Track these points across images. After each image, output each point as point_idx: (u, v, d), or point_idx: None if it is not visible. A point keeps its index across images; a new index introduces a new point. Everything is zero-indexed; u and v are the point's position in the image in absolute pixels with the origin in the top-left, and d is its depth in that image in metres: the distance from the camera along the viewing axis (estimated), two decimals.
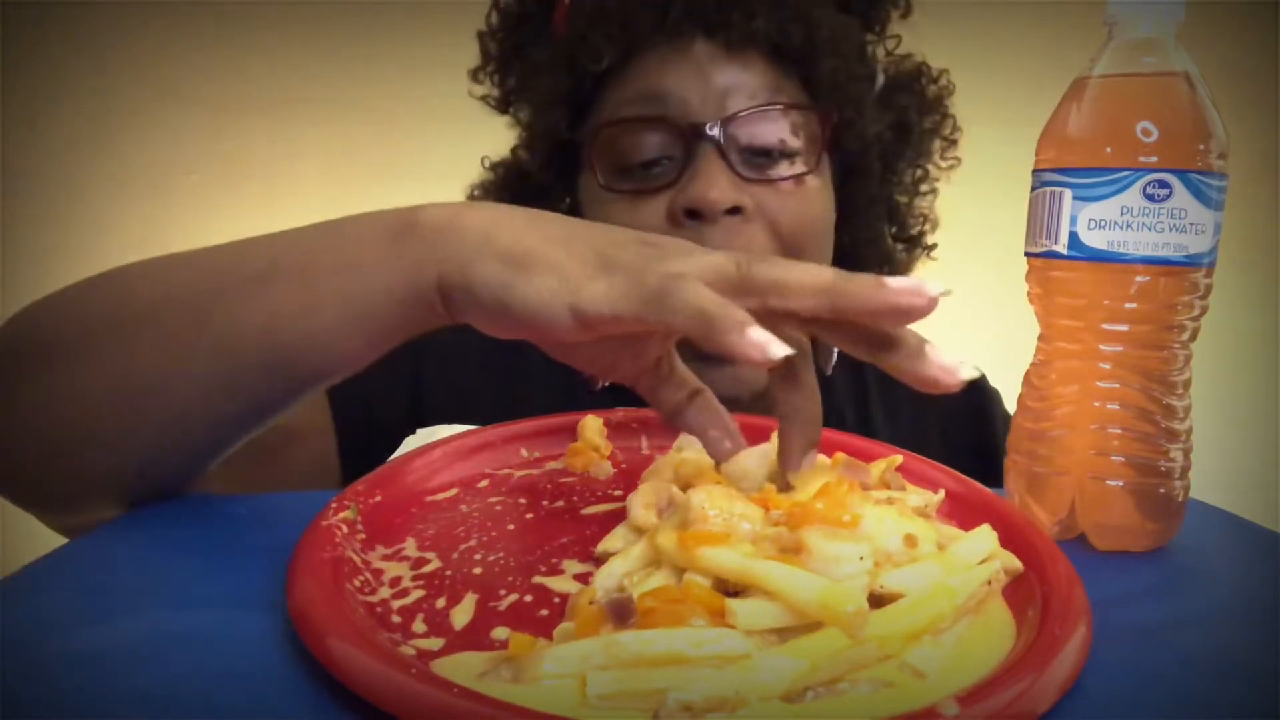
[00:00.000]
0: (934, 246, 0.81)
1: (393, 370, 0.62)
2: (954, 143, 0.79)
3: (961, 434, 0.75)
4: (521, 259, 0.37)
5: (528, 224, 0.39)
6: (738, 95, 0.64)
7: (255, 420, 0.46)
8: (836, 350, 0.73)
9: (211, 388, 0.43)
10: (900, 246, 0.79)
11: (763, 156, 0.65)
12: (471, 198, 0.78)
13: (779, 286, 0.35)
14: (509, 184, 0.76)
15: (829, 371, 0.74)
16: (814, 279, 0.34)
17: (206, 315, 0.42)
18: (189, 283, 0.44)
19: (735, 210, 0.63)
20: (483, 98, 0.77)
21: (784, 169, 0.65)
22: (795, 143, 0.66)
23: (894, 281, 0.33)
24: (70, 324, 0.46)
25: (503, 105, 0.77)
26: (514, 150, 0.76)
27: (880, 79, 0.74)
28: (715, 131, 0.63)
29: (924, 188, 0.79)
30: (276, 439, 0.54)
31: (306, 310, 0.41)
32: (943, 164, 0.79)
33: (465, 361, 0.71)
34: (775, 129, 0.65)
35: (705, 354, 0.63)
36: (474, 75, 0.77)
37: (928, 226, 0.80)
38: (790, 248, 0.65)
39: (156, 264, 0.46)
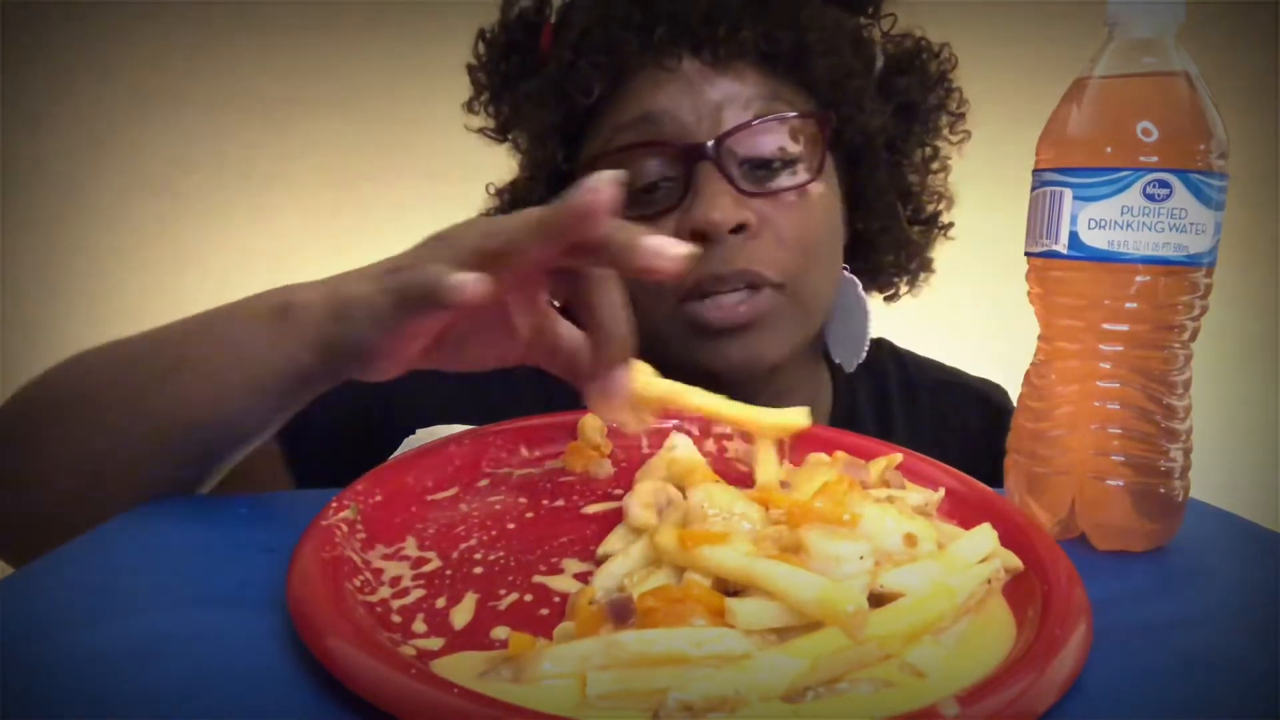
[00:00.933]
0: (950, 225, 0.80)
1: (355, 407, 0.65)
2: (961, 116, 0.77)
3: (980, 448, 0.73)
4: (344, 308, 0.43)
5: (360, 272, 0.45)
6: (732, 108, 0.63)
7: (201, 478, 0.52)
8: (865, 351, 0.72)
9: (153, 461, 0.49)
10: (916, 229, 0.78)
11: (763, 168, 0.64)
12: None
13: (507, 247, 0.39)
14: (514, 211, 0.76)
15: (850, 369, 0.73)
16: (524, 221, 0.39)
17: (136, 403, 0.49)
18: (120, 374, 0.51)
19: (740, 228, 0.62)
20: (479, 130, 0.77)
21: (786, 179, 0.64)
22: (796, 149, 0.65)
23: (585, 185, 0.37)
24: (38, 412, 0.53)
25: (500, 134, 0.76)
26: (517, 178, 0.76)
27: (880, 61, 0.72)
28: (712, 149, 0.62)
29: (935, 165, 0.78)
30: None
31: (216, 399, 0.48)
32: (953, 139, 0.78)
33: (441, 387, 0.64)
34: (774, 139, 0.64)
35: (705, 329, 0.63)
36: (468, 107, 0.76)
37: (944, 205, 0.79)
38: (799, 256, 0.64)
39: (103, 354, 0.53)
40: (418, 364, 0.45)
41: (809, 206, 0.65)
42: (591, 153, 0.67)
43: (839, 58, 0.66)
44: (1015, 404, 0.49)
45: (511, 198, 0.76)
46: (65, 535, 0.45)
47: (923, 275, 0.79)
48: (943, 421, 0.77)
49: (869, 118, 0.68)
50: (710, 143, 0.62)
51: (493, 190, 0.77)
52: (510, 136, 0.76)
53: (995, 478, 0.48)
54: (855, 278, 0.72)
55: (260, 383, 0.47)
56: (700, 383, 0.47)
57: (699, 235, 0.62)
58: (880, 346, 0.82)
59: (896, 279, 0.78)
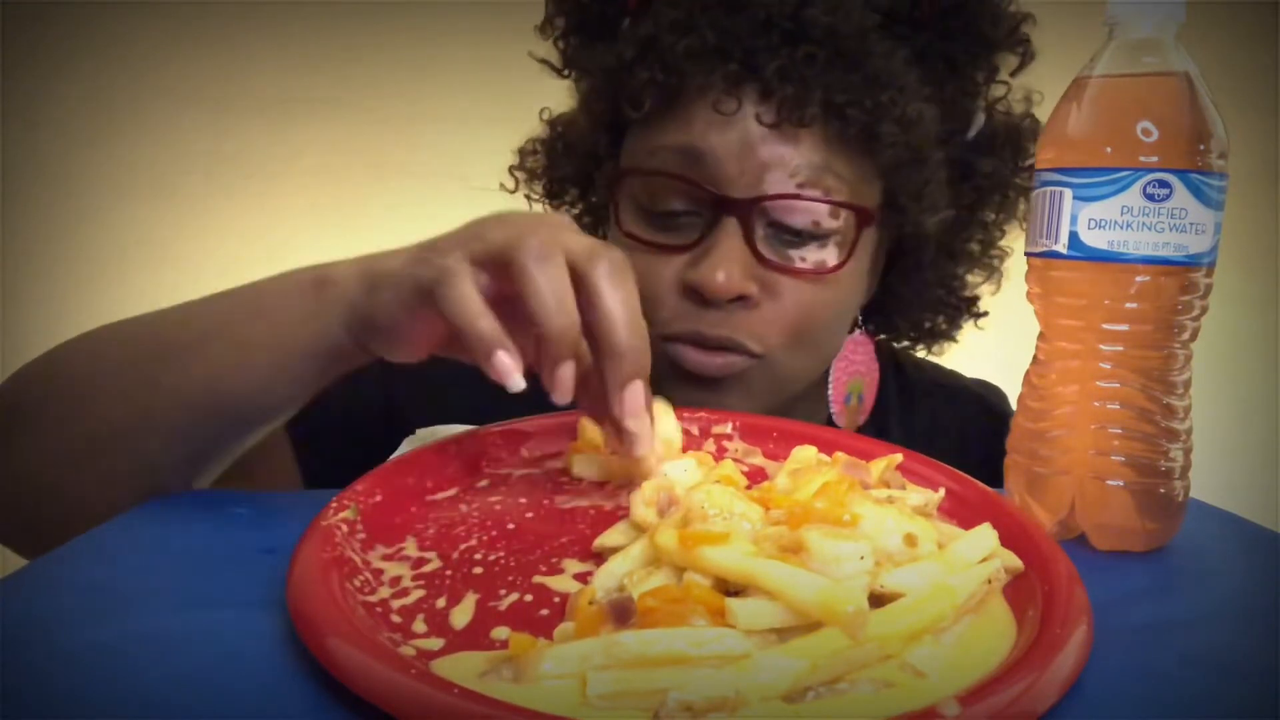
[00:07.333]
0: (984, 314, 0.75)
1: (359, 402, 0.64)
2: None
3: (976, 456, 0.65)
4: (375, 283, 0.45)
5: (395, 251, 0.46)
6: (778, 173, 0.59)
7: (215, 460, 0.52)
8: (868, 408, 0.71)
9: (171, 437, 0.50)
10: (941, 319, 0.75)
11: (791, 242, 0.61)
12: (523, 152, 0.75)
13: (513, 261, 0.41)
14: (558, 148, 0.72)
15: (855, 427, 0.71)
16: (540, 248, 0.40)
17: (159, 375, 0.49)
18: (143, 346, 0.51)
19: (741, 299, 0.59)
20: (541, 60, 0.72)
21: (813, 252, 0.61)
22: (833, 224, 0.60)
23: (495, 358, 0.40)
24: (46, 390, 0.53)
25: (561, 70, 0.72)
26: (571, 116, 0.72)
27: (975, 128, 0.67)
28: (743, 208, 0.59)
29: (997, 233, 0.73)
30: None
31: (247, 369, 0.48)
32: (1021, 221, 0.72)
33: (444, 390, 0.62)
34: (809, 216, 0.60)
35: (679, 371, 0.62)
36: (540, 30, 0.71)
37: (997, 261, 0.74)
38: (788, 336, 0.61)
39: (119, 329, 0.53)
40: (443, 351, 0.46)
41: (823, 289, 0.62)
42: (630, 162, 0.64)
43: (911, 145, 0.61)
44: (1013, 405, 0.49)
45: (565, 133, 0.72)
46: (75, 519, 0.45)
47: (951, 329, 0.76)
48: (937, 430, 0.76)
49: (926, 214, 0.63)
50: (744, 201, 0.59)
51: (546, 117, 0.74)
52: (570, 74, 0.72)
53: (991, 482, 0.48)
54: (868, 337, 0.70)
55: (292, 355, 0.47)
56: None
57: (697, 292, 0.60)
58: (879, 350, 0.79)
59: (920, 337, 0.76)
